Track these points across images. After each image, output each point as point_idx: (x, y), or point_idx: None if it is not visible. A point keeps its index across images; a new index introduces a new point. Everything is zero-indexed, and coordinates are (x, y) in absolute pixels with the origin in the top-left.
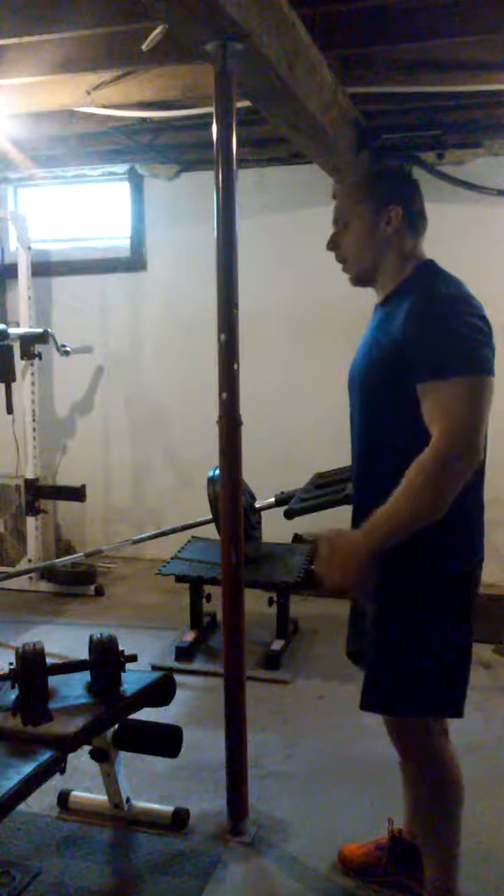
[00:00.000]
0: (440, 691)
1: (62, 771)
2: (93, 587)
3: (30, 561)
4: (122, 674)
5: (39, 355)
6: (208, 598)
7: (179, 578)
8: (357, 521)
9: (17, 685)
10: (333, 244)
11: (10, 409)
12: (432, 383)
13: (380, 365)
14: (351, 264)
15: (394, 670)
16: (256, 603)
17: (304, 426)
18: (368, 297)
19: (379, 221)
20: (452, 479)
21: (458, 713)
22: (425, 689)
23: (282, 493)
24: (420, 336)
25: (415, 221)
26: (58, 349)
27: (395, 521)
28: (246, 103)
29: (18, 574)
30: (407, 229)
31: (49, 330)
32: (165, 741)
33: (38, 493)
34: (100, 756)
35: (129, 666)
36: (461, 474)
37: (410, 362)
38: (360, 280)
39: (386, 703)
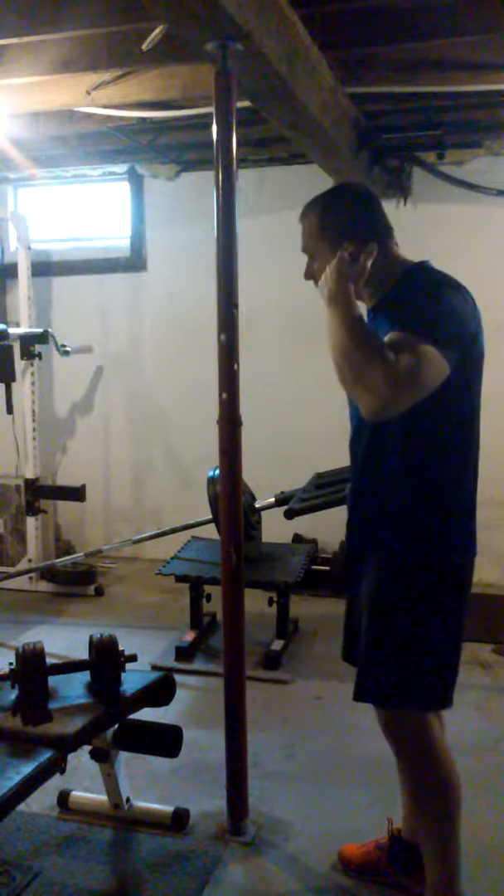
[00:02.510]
0: (432, 684)
1: (62, 771)
2: (93, 587)
3: (30, 561)
4: (122, 674)
5: (39, 355)
6: (208, 598)
7: (179, 578)
8: (352, 522)
9: (17, 685)
10: (309, 275)
11: (10, 409)
12: (397, 333)
13: None
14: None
15: (387, 662)
16: (256, 603)
17: (304, 426)
18: None
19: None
20: (367, 389)
21: (447, 704)
22: (417, 682)
23: (282, 493)
24: (401, 309)
25: (378, 235)
26: (58, 349)
27: (339, 335)
28: (246, 103)
29: (18, 574)
30: (372, 247)
31: (49, 330)
32: (165, 741)
33: (38, 493)
34: (100, 756)
35: (129, 666)
36: (374, 397)
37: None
38: None
39: (378, 694)
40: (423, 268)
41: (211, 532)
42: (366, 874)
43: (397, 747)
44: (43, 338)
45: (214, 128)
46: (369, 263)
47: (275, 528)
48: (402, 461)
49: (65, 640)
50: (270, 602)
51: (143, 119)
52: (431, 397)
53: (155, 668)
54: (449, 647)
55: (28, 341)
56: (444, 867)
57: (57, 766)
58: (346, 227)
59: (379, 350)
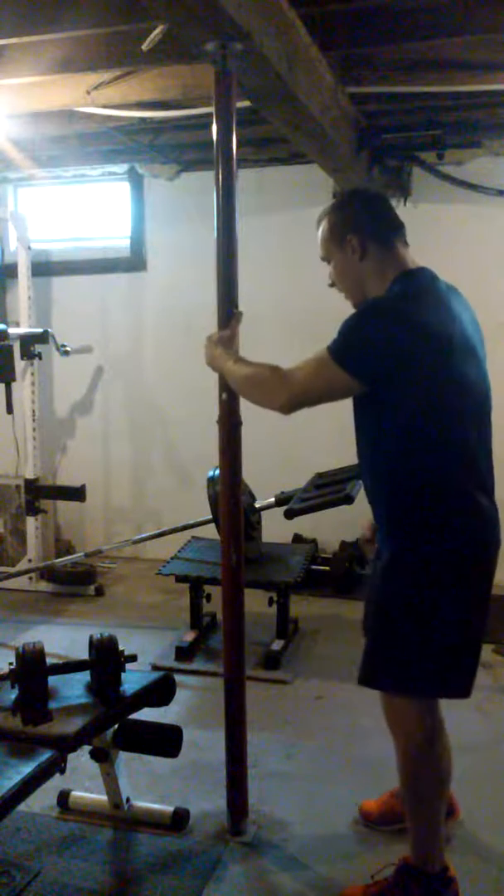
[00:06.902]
0: (440, 672)
1: (62, 771)
2: (93, 587)
3: (30, 561)
4: (122, 674)
5: (39, 355)
6: (208, 598)
7: (179, 578)
8: (375, 517)
9: (17, 685)
10: (331, 281)
11: (10, 409)
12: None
13: None
14: (347, 296)
15: (391, 646)
16: (256, 603)
17: (304, 426)
18: None
19: (345, 253)
20: (262, 397)
21: (465, 693)
22: (423, 669)
23: (282, 493)
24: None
25: (380, 235)
26: (58, 349)
27: (231, 374)
28: (246, 103)
29: (18, 574)
30: (374, 247)
31: (49, 330)
32: (165, 741)
33: (38, 493)
34: (100, 756)
35: (129, 666)
36: (270, 401)
37: None
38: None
39: (382, 679)
40: (407, 276)
41: (211, 532)
42: (387, 823)
43: (396, 727)
44: (43, 338)
45: (214, 128)
46: (238, 326)
47: (275, 528)
48: (396, 458)
49: (65, 640)
50: (270, 602)
51: (143, 119)
52: (398, 394)
53: (155, 668)
54: (460, 635)
55: (28, 341)
56: (424, 835)
57: (57, 766)
58: (348, 224)
59: (261, 373)
